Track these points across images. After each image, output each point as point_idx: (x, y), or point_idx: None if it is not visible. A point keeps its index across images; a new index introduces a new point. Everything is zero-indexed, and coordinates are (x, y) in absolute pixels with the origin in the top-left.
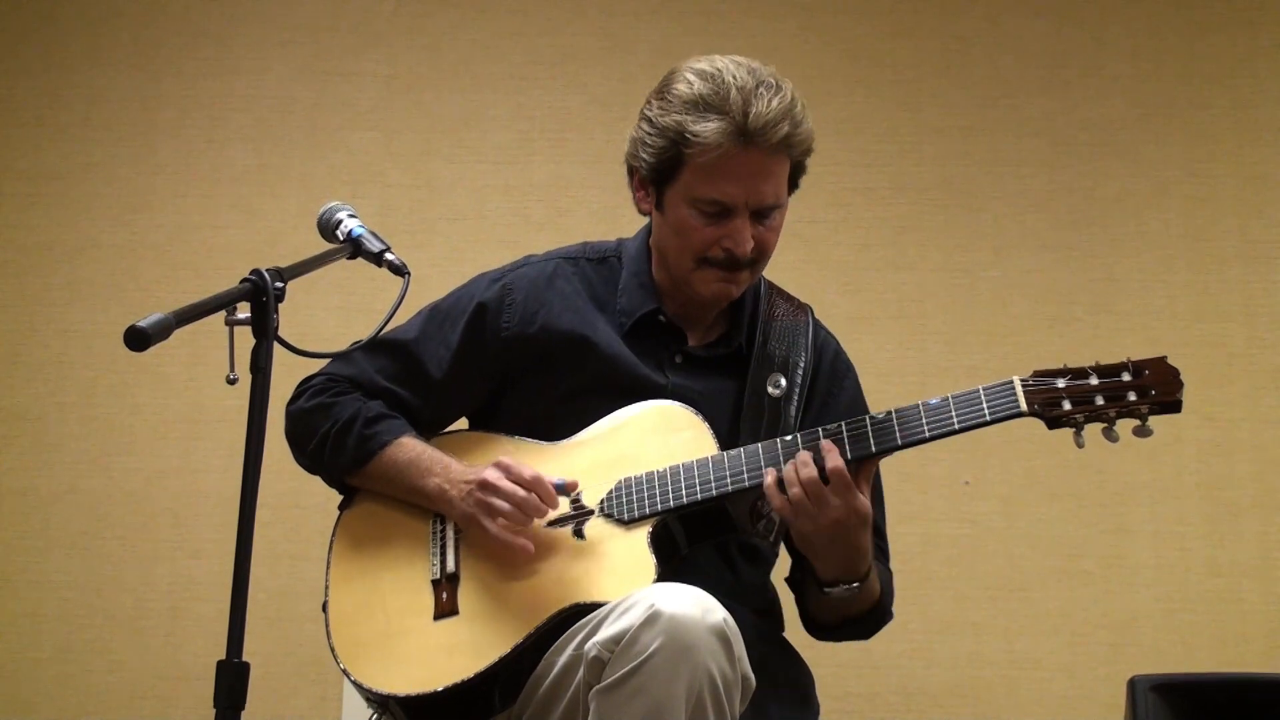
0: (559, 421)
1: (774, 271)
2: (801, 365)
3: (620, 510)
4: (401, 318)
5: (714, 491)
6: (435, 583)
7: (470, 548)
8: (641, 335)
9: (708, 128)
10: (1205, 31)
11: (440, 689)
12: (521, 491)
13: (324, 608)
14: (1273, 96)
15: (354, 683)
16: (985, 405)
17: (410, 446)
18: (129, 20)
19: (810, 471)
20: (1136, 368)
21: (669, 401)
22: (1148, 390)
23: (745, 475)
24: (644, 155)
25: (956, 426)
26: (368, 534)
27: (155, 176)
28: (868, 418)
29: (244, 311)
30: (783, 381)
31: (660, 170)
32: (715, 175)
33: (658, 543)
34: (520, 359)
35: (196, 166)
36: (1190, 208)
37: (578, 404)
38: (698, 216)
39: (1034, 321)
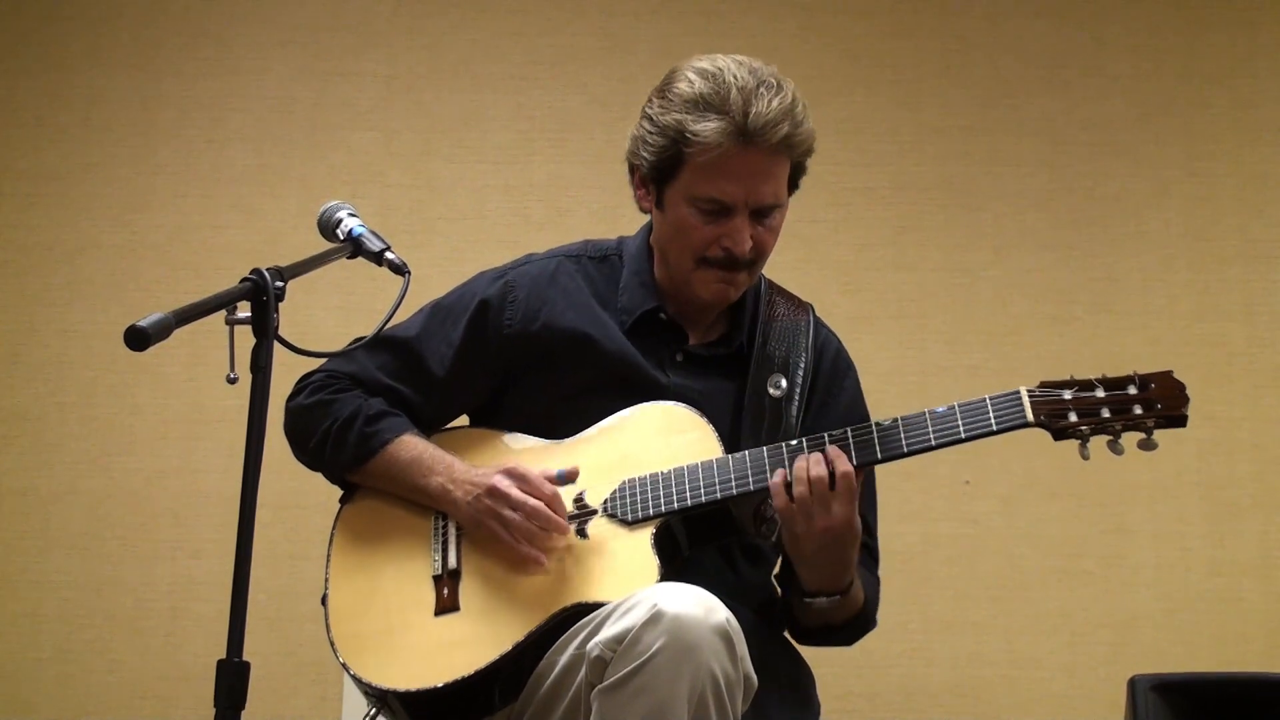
0: (560, 419)
1: (774, 271)
2: (802, 365)
3: (624, 510)
4: (401, 318)
5: (719, 494)
6: (437, 578)
7: (472, 544)
8: (642, 334)
9: (707, 127)
10: (1205, 31)
11: (440, 685)
12: (533, 501)
13: (323, 601)
14: (1273, 96)
15: (353, 677)
16: (992, 415)
17: (412, 444)
18: (129, 20)
19: (820, 471)
20: (1143, 381)
21: (673, 402)
22: (1153, 404)
23: (750, 479)
24: (644, 154)
25: (963, 436)
26: (369, 528)
27: (155, 176)
28: (874, 424)
29: (244, 311)
30: (783, 382)
31: (660, 169)
32: (715, 174)
33: (661, 544)
34: (522, 356)
35: (196, 166)
36: (1190, 207)
37: (579, 402)
38: (697, 215)
39: (1034, 321)
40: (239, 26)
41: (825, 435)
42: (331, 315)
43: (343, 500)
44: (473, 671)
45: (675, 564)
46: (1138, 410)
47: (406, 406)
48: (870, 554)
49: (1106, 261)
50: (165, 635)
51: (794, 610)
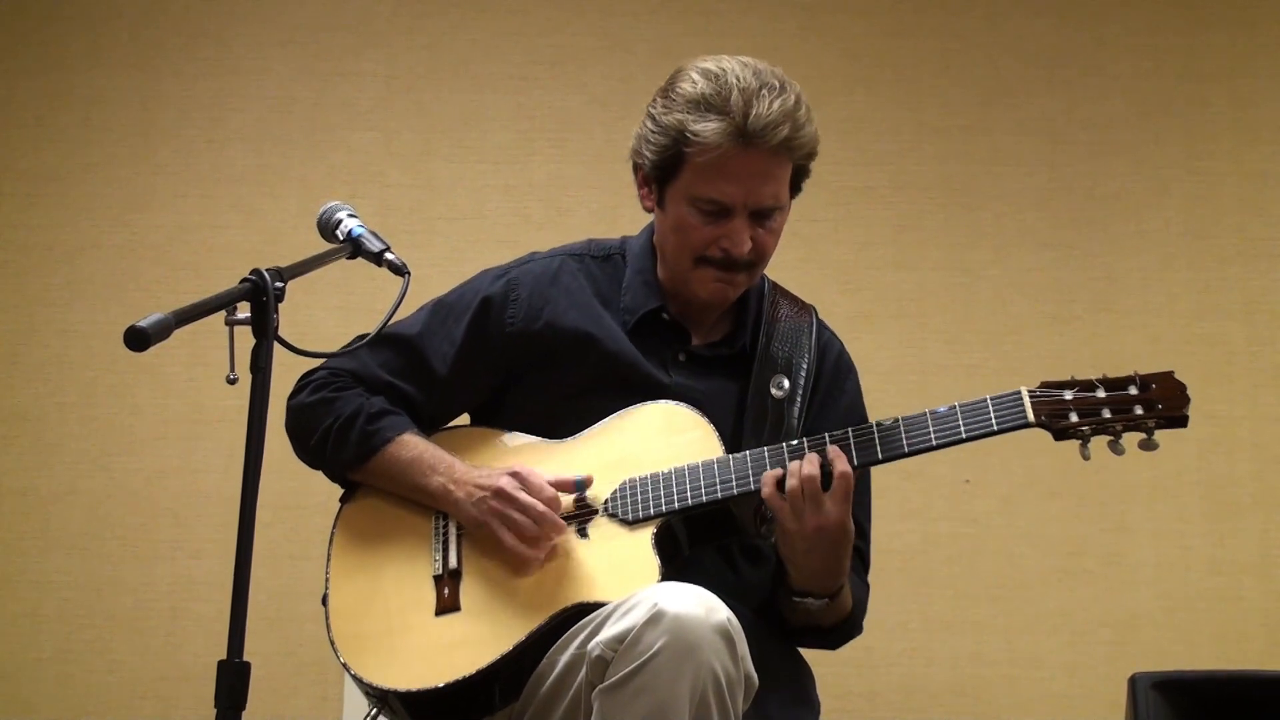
0: (562, 418)
1: (774, 270)
2: (805, 366)
3: (625, 510)
4: (401, 318)
5: (719, 494)
6: (437, 578)
7: (473, 544)
8: (645, 333)
9: (708, 127)
10: (1205, 30)
11: (442, 685)
12: (539, 505)
13: (324, 601)
14: (1272, 95)
15: (354, 677)
16: (993, 415)
17: (413, 444)
18: (129, 20)
19: (813, 470)
20: (1144, 381)
21: (675, 402)
22: (1154, 404)
23: (751, 478)
24: (647, 152)
25: (964, 436)
26: (369, 528)
27: (155, 177)
28: (874, 425)
29: (244, 311)
30: (786, 383)
31: (662, 168)
32: (714, 175)
33: (661, 543)
34: (524, 355)
35: (196, 166)
36: (1190, 206)
37: (581, 401)
38: (696, 215)
39: (1034, 320)
40: (239, 26)
41: (826, 435)
42: (331, 315)
43: (343, 500)
44: (474, 671)
45: (676, 564)
46: (1139, 411)
47: (408, 404)
48: (861, 559)
49: (1106, 261)
50: (165, 635)
51: (781, 609)
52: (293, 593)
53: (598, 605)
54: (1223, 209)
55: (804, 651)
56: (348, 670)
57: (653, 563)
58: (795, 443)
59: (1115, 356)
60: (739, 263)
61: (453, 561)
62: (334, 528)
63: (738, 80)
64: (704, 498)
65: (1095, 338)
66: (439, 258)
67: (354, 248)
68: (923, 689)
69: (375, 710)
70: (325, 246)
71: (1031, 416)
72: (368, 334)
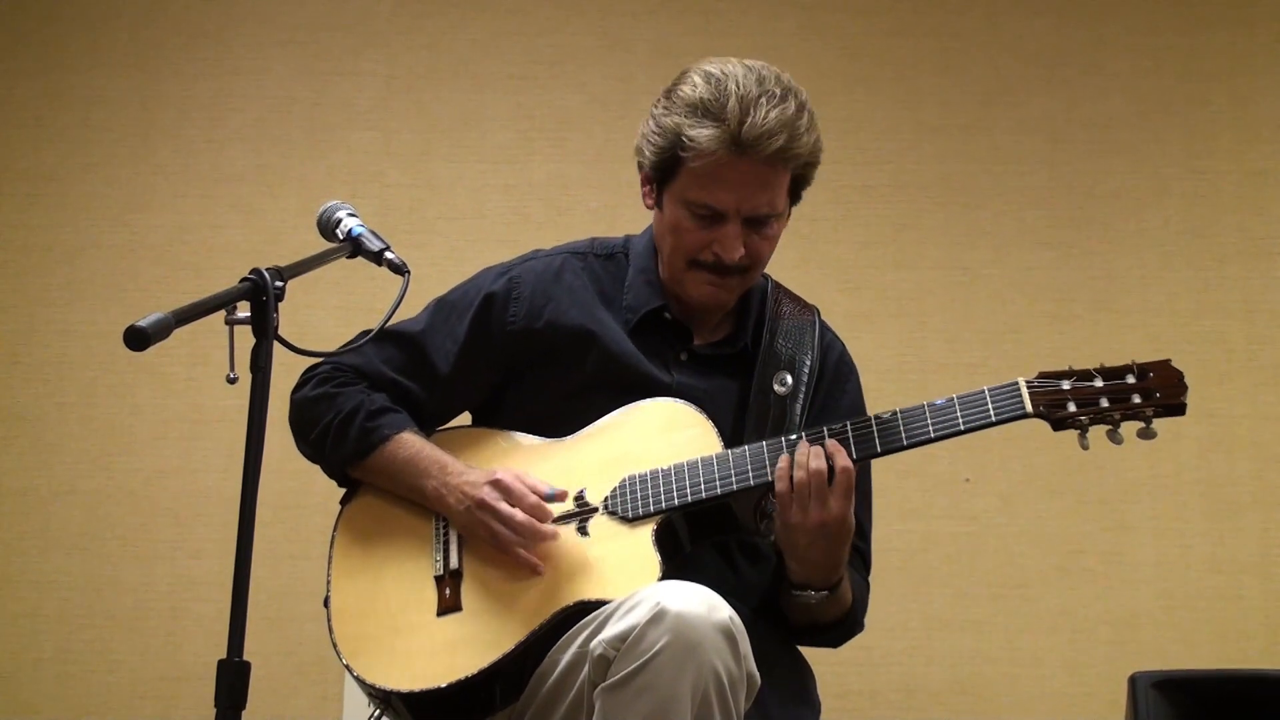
0: (563, 417)
1: (773, 269)
2: (808, 364)
3: (625, 508)
4: (400, 317)
5: (719, 490)
6: (439, 579)
7: (473, 544)
8: (647, 332)
9: (702, 134)
10: (1204, 29)
11: (444, 685)
12: (519, 515)
13: (326, 603)
14: (1272, 93)
15: (356, 678)
16: (991, 406)
17: (409, 443)
18: (128, 20)
19: (820, 464)
20: (1141, 370)
21: (674, 399)
22: (1152, 393)
23: (751, 473)
24: (647, 151)
25: (962, 427)
26: (370, 529)
27: (155, 176)
28: (873, 418)
29: (244, 311)
30: (789, 379)
31: (660, 169)
32: (708, 181)
33: (662, 540)
34: (525, 353)
35: (196, 166)
36: (1190, 205)
37: (582, 400)
38: (690, 219)
39: (1034, 319)
40: (238, 26)
41: (825, 429)
42: (331, 315)
43: (344, 501)
44: (476, 671)
45: (676, 561)
46: (1136, 399)
47: (410, 401)
48: (861, 557)
49: (1106, 259)
50: (165, 635)
51: (782, 606)
52: (293, 592)
53: (599, 603)
54: (1222, 208)
55: (804, 650)
56: (350, 671)
57: (653, 560)
58: (794, 437)
59: (1115, 355)
60: (731, 268)
61: (454, 561)
62: (335, 529)
63: (737, 87)
64: (704, 493)
65: (1095, 336)
66: (439, 257)
67: (354, 247)
68: (923, 688)
69: (378, 711)
70: (325, 246)
71: (1029, 407)
72: (370, 330)
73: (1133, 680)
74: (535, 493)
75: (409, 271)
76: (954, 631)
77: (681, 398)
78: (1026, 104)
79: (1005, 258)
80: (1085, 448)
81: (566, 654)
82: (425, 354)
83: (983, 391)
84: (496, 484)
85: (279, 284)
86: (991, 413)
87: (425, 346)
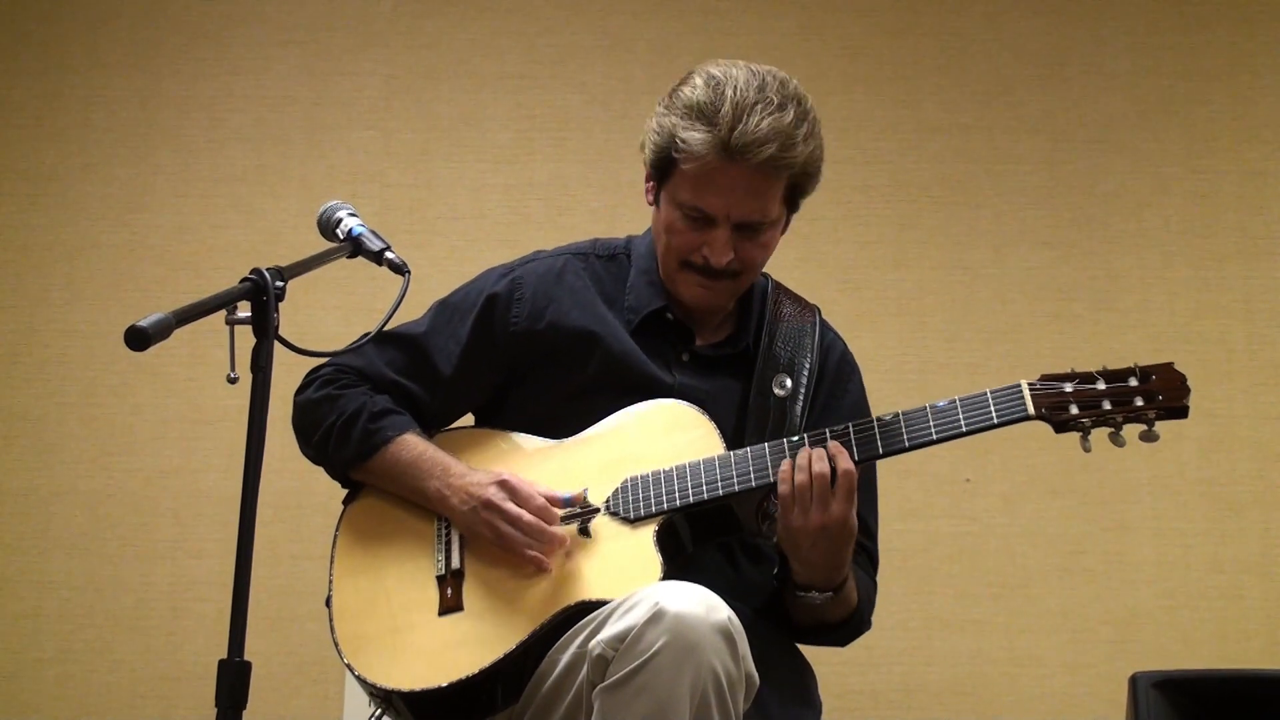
0: (565, 418)
1: (773, 269)
2: (807, 366)
3: (626, 508)
4: (401, 317)
5: (720, 491)
6: (440, 578)
7: (474, 544)
8: (649, 333)
9: (694, 137)
10: (1204, 28)
11: (445, 685)
12: (526, 516)
13: (327, 602)
14: (1272, 92)
15: (357, 677)
16: (993, 408)
17: (412, 445)
18: (128, 20)
19: (823, 467)
20: (1144, 373)
21: (676, 400)
22: (1155, 396)
23: (752, 475)
24: (648, 150)
25: (964, 429)
26: (372, 529)
27: (155, 176)
28: (875, 420)
29: (244, 311)
30: (788, 382)
31: (657, 167)
32: (699, 184)
33: (663, 541)
34: (527, 354)
35: (196, 166)
36: (1190, 204)
37: (584, 401)
38: (682, 220)
39: (1034, 319)
40: (238, 26)
41: (827, 430)
42: (331, 315)
43: (346, 501)
44: (477, 671)
45: (677, 562)
46: (1139, 402)
47: (413, 403)
48: (868, 556)
49: (1106, 259)
50: (166, 635)
51: (788, 607)
52: (293, 592)
53: (599, 604)
54: (1222, 207)
55: (805, 650)
56: (351, 671)
57: (655, 561)
58: (796, 438)
59: (1115, 355)
60: (720, 272)
61: (455, 561)
62: (337, 529)
63: (735, 91)
64: (705, 495)
65: (1095, 336)
66: (439, 257)
67: (354, 247)
68: (924, 688)
69: (379, 710)
70: (325, 246)
71: (1031, 409)
72: (370, 332)
73: (1133, 680)
74: (548, 496)
75: (409, 271)
76: (954, 631)
77: (683, 398)
78: (1026, 103)
79: (1005, 258)
80: (1087, 450)
81: (566, 654)
82: (428, 355)
83: (985, 393)
84: (503, 485)
85: (279, 284)
86: (994, 415)
87: (427, 348)
